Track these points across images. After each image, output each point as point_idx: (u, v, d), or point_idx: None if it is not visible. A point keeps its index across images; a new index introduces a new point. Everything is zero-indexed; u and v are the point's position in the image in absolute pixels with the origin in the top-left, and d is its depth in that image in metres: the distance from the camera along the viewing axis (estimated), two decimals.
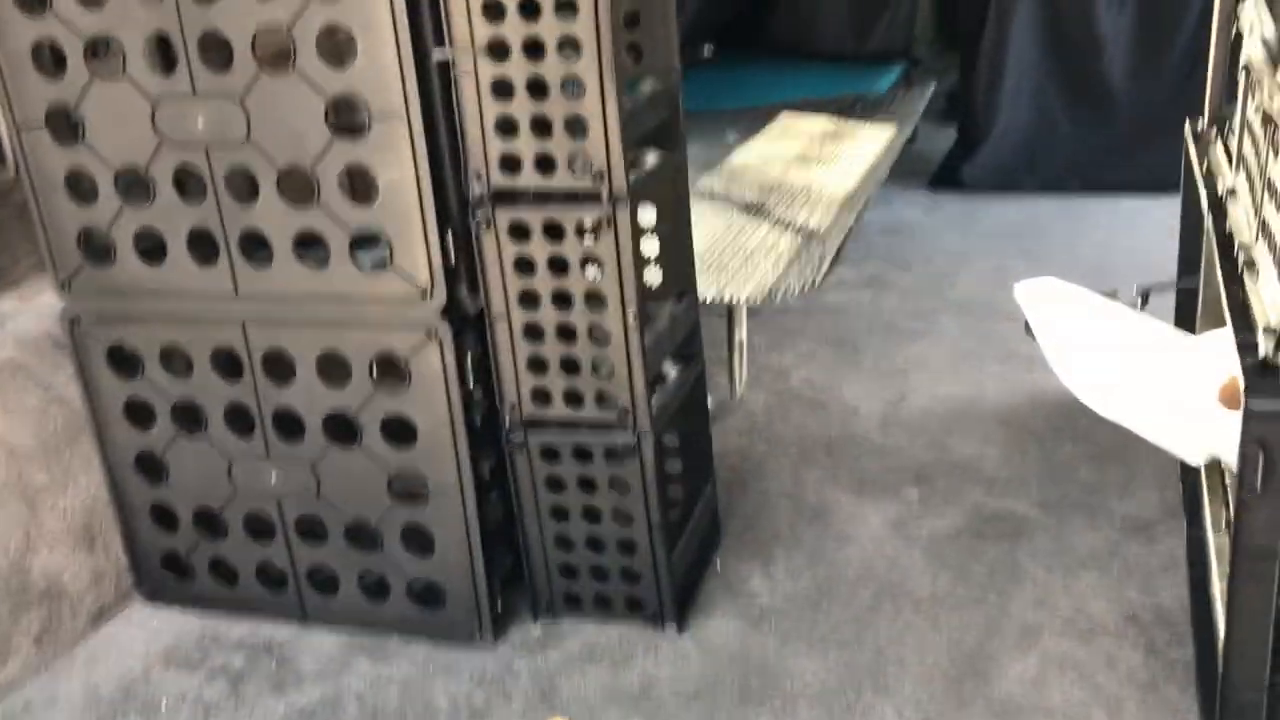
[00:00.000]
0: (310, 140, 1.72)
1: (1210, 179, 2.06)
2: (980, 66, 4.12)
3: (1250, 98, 1.77)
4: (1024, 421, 2.53)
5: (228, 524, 2.03)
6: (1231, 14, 2.28)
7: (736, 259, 2.40)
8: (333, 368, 1.86)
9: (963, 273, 3.41)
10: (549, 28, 1.63)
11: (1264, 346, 1.37)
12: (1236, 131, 1.88)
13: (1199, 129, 2.38)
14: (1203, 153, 2.20)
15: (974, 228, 3.79)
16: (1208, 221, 1.89)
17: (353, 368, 1.84)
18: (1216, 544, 1.73)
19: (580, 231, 1.74)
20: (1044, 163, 4.08)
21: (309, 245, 1.81)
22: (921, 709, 1.73)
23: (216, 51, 1.71)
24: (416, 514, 1.92)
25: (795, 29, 4.65)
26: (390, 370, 1.85)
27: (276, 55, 1.70)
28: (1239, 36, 2.12)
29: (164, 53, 1.76)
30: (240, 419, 1.94)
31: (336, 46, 1.67)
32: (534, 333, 1.82)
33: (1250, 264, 1.57)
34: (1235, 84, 2.24)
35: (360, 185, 1.75)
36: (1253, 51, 1.74)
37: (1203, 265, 1.98)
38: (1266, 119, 1.49)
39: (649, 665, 1.88)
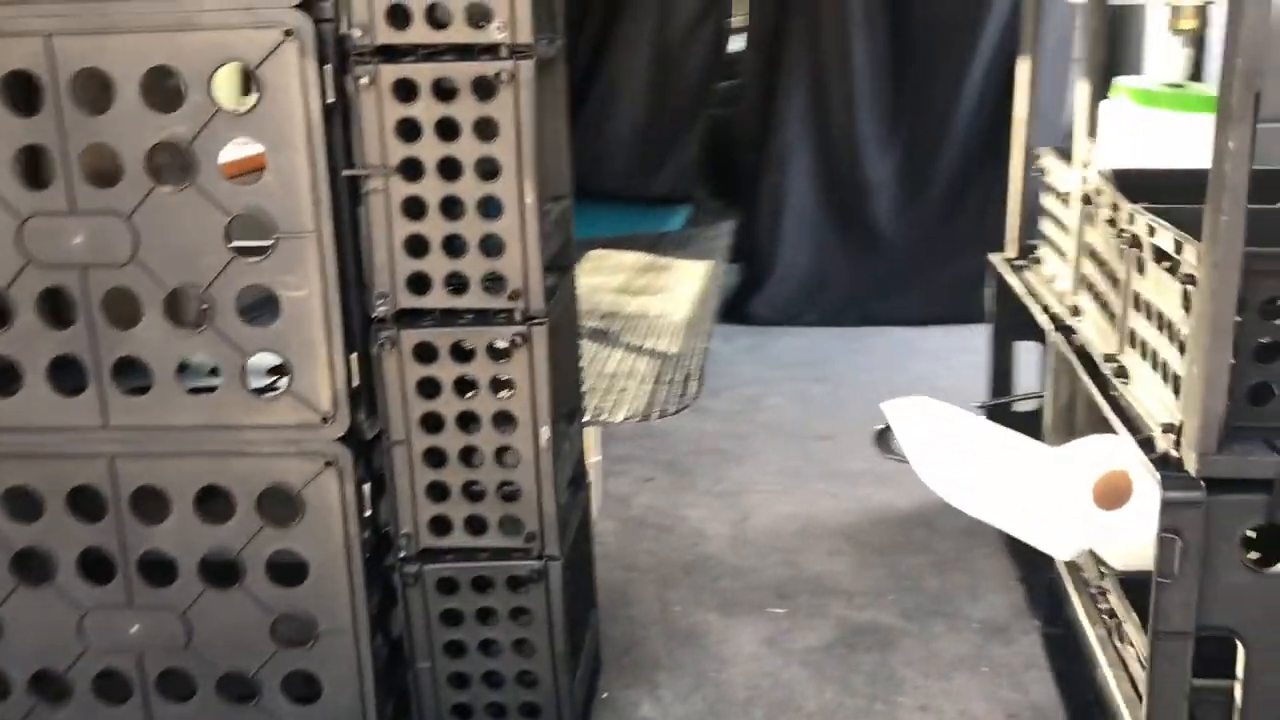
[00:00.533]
0: (206, 259, 1.62)
1: (1036, 302, 2.27)
2: (762, 209, 4.39)
3: (1089, 225, 1.98)
4: (864, 536, 2.64)
5: (73, 685, 1.81)
6: (1029, 159, 2.55)
7: (601, 382, 2.42)
8: (213, 503, 1.73)
9: (768, 398, 3.55)
10: (467, 149, 1.63)
11: (1163, 444, 1.51)
12: (1072, 258, 2.08)
13: (1009, 259, 2.60)
14: (1014, 281, 2.41)
15: (767, 358, 3.97)
16: (1054, 339, 2.08)
17: (237, 502, 1.72)
18: (1096, 636, 1.85)
19: (492, 352, 1.72)
20: (823, 297, 4.35)
21: (190, 372, 1.70)
22: None
23: (101, 167, 1.61)
24: (303, 659, 1.78)
25: (584, 171, 4.80)
26: (278, 504, 1.73)
27: (169, 170, 1.62)
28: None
29: (34, 167, 1.64)
30: (98, 564, 1.76)
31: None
32: (436, 458, 1.76)
33: (1121, 371, 1.73)
34: (1037, 219, 2.51)
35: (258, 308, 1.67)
36: (1096, 185, 1.94)
37: (1050, 381, 2.14)
38: (1134, 241, 1.67)
39: None
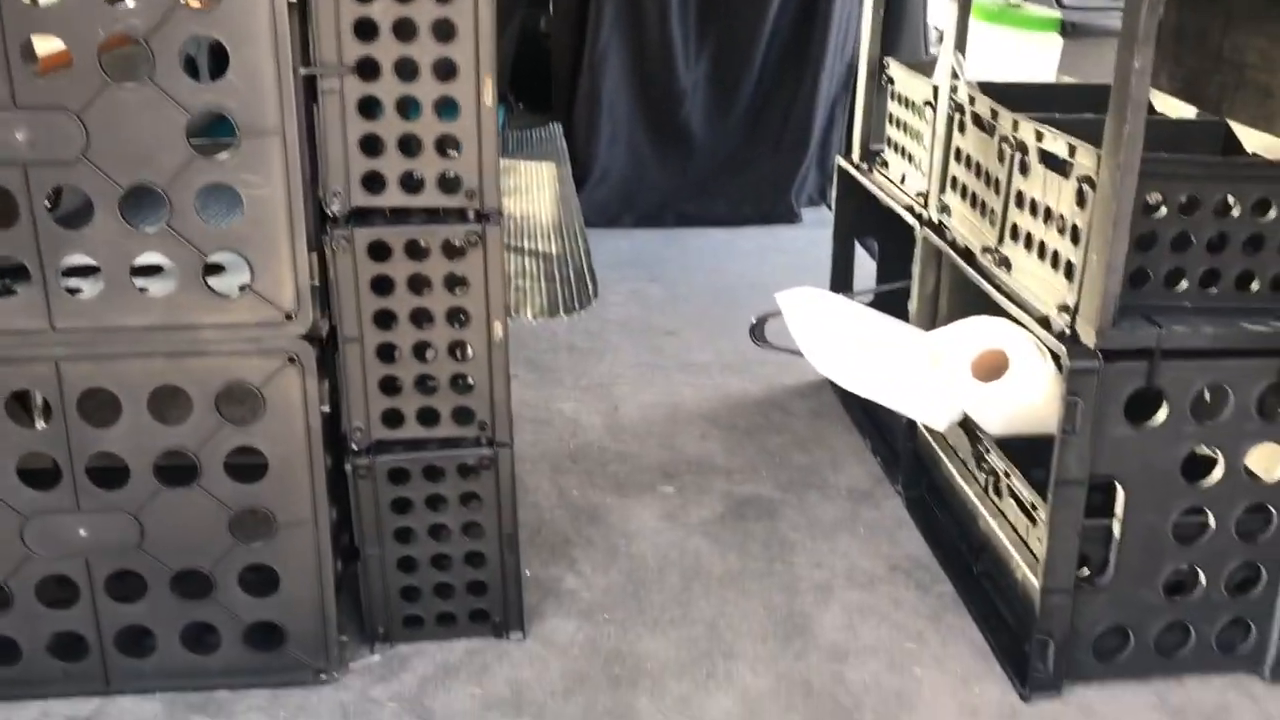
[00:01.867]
0: (165, 158, 1.60)
1: (896, 202, 2.50)
2: (578, 113, 4.46)
3: (959, 132, 2.20)
4: (729, 420, 2.85)
5: (13, 594, 1.78)
6: (879, 67, 2.77)
7: None
8: (169, 403, 1.73)
9: (609, 296, 3.67)
10: (424, 49, 1.67)
11: (1059, 322, 1.76)
12: (935, 161, 2.30)
13: (854, 162, 2.82)
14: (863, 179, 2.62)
15: (597, 259, 4.08)
16: (923, 234, 2.31)
17: (195, 401, 1.72)
18: (974, 491, 2.12)
19: (446, 250, 1.77)
20: (641, 199, 4.49)
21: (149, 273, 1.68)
22: (770, 665, 1.95)
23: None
24: (261, 553, 1.81)
25: None
26: (235, 401, 1.75)
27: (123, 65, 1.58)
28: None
29: None
30: (41, 471, 1.72)
31: None
32: (389, 353, 1.81)
33: (1004, 261, 1.98)
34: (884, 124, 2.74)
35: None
36: (967, 94, 2.16)
37: (917, 272, 2.37)
38: (1018, 145, 1.90)
39: (510, 672, 1.93)
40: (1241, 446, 1.74)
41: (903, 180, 2.60)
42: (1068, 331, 1.73)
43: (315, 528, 1.81)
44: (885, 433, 2.65)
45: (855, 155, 2.87)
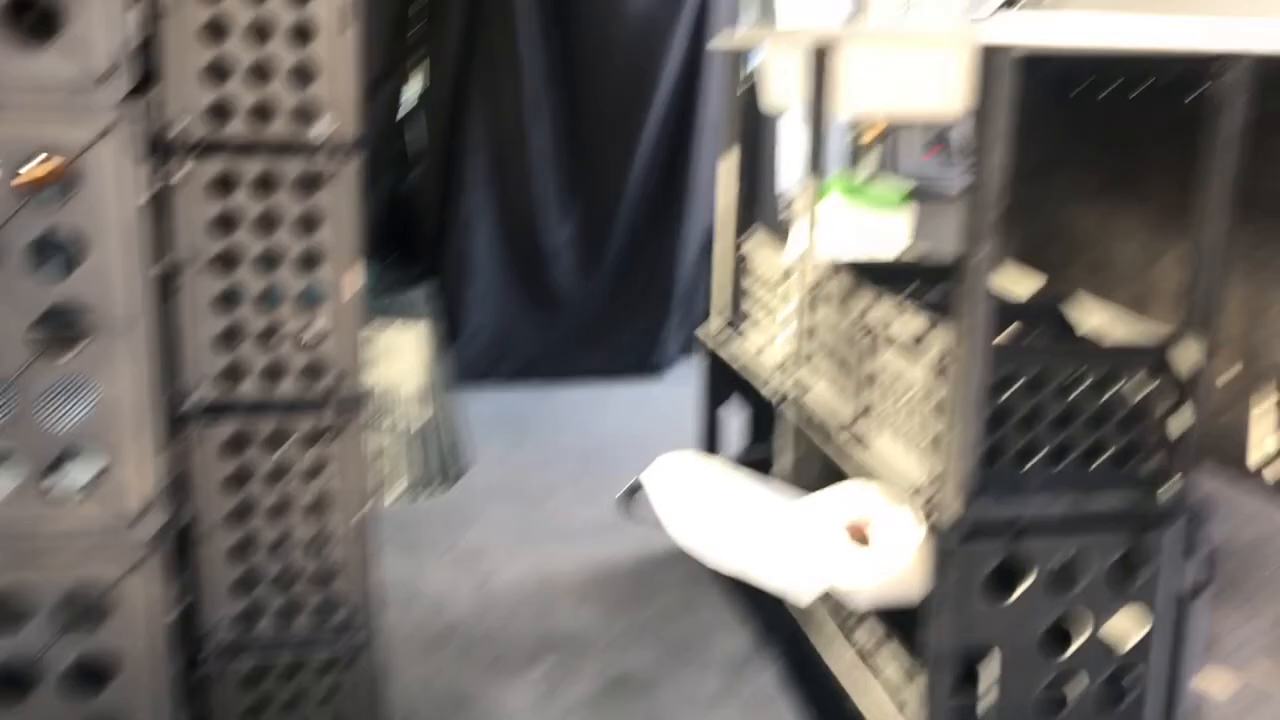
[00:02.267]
0: (7, 357, 1.54)
1: (756, 375, 2.55)
2: (448, 271, 4.49)
3: (811, 312, 2.27)
4: (604, 590, 2.81)
5: None
6: (734, 245, 2.86)
7: None
8: (5, 610, 1.62)
9: (479, 458, 3.64)
10: (287, 239, 1.66)
11: (922, 497, 1.80)
12: (793, 334, 2.36)
13: (715, 331, 2.88)
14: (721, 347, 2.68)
15: (466, 417, 4.06)
16: (785, 408, 2.35)
17: (35, 609, 1.62)
18: (847, 661, 2.12)
19: (308, 439, 1.73)
20: (511, 356, 4.51)
21: None
22: None
23: None
24: None
25: None
26: (81, 606, 1.65)
27: None
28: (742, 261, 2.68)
29: None
30: None
31: None
32: (246, 549, 1.75)
33: (862, 438, 2.02)
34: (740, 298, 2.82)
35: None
36: (824, 271, 2.23)
37: (782, 441, 2.40)
38: (874, 325, 1.97)
39: None
40: (1099, 616, 1.78)
41: (760, 351, 2.66)
42: (930, 507, 1.77)
43: None
44: (759, 600, 2.65)
45: (714, 326, 2.93)
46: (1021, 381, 1.74)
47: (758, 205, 4.80)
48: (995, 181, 1.60)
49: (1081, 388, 1.77)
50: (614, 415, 4.16)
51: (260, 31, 1.59)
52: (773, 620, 2.49)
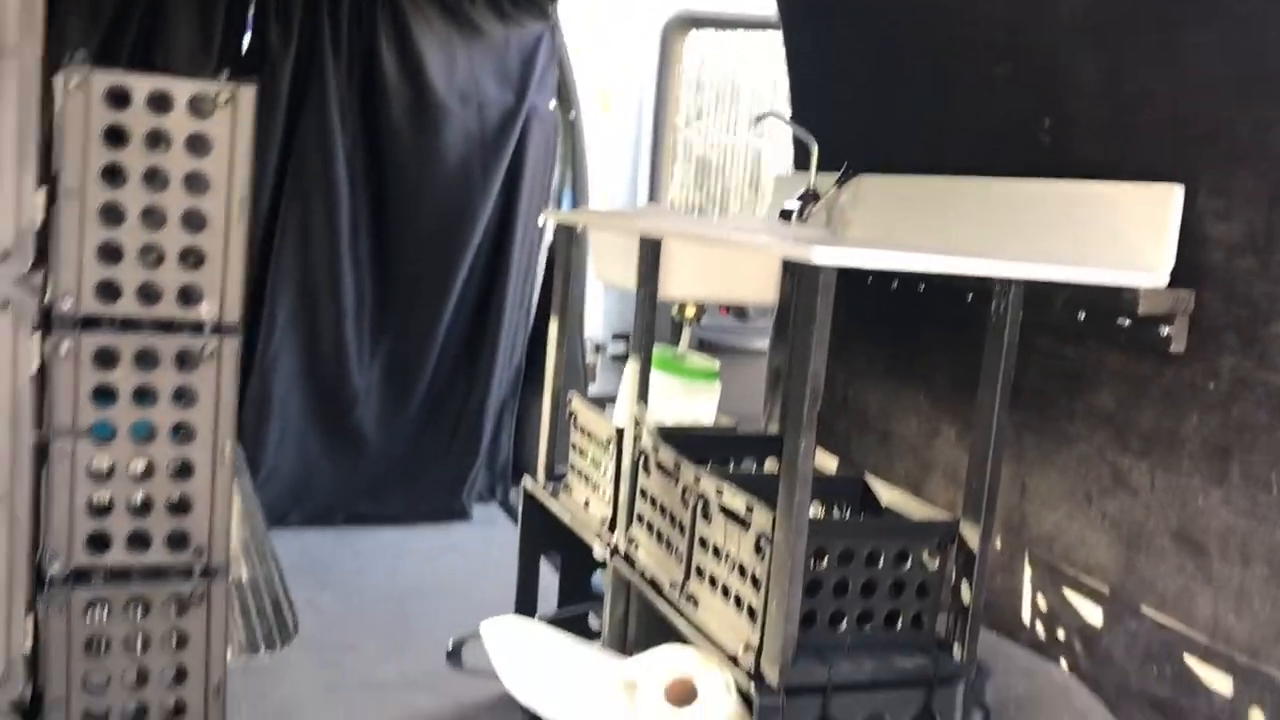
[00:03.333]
0: None
1: (586, 529, 2.71)
2: (246, 415, 4.46)
3: (644, 474, 2.46)
4: None
5: None
6: (559, 401, 3.04)
7: None
8: None
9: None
10: (163, 414, 1.73)
11: (746, 661, 1.98)
12: (625, 496, 2.54)
13: (539, 484, 3.03)
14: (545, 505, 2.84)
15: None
16: (614, 565, 2.51)
17: None
18: None
19: (171, 606, 1.77)
20: (310, 499, 4.49)
21: None
22: None
23: None
24: None
25: None
26: None
27: None
28: None
29: None
30: None
31: None
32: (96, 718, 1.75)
33: (692, 599, 2.20)
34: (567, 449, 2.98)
35: None
36: (651, 441, 2.43)
37: (608, 598, 2.55)
38: (699, 497, 2.17)
39: None
40: None
41: (586, 505, 2.83)
42: (753, 669, 1.95)
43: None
44: None
45: (539, 477, 3.08)
46: (834, 552, 1.97)
47: (568, 355, 5.03)
48: (815, 382, 1.84)
49: (884, 559, 2.01)
50: (419, 560, 4.20)
51: (152, 217, 1.68)
52: None
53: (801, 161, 3.23)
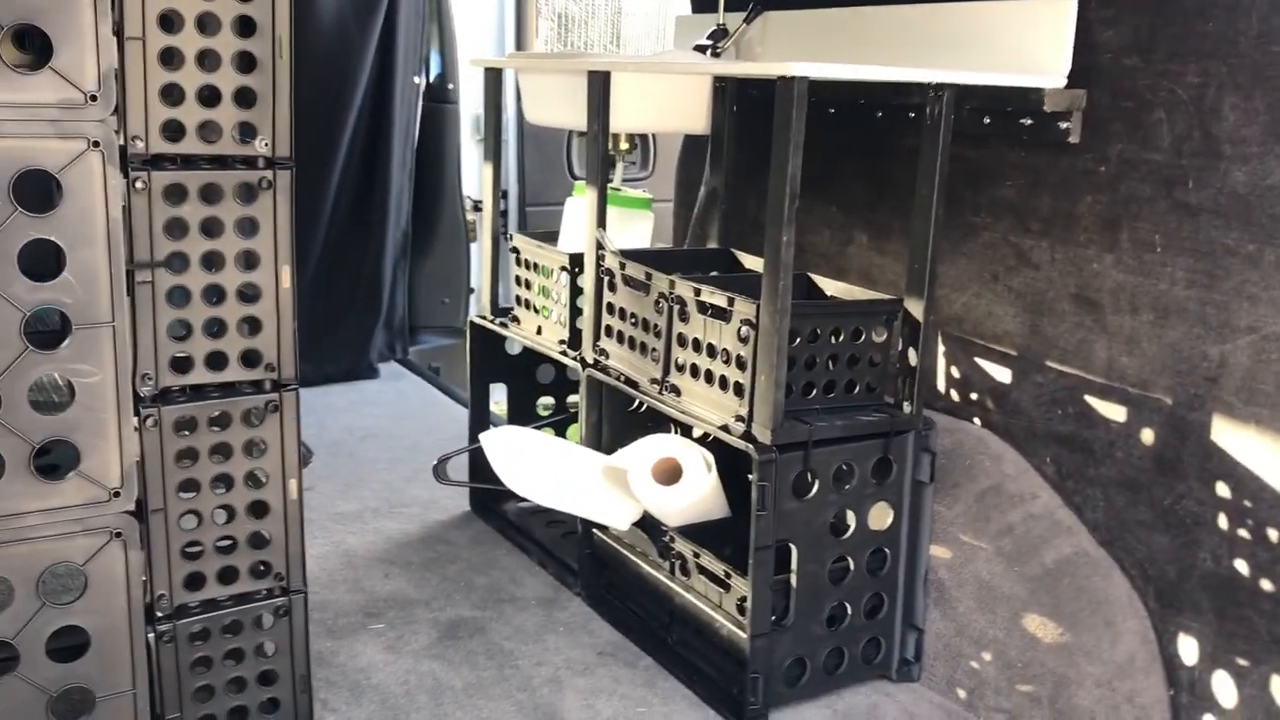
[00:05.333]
0: (4, 351, 1.68)
1: (550, 349, 2.98)
2: None
3: (611, 291, 2.73)
4: (403, 558, 3.11)
5: None
6: (497, 241, 3.26)
7: None
8: None
9: None
10: (229, 243, 1.90)
11: (737, 428, 2.32)
12: (589, 320, 2.81)
13: (488, 319, 3.27)
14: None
15: None
16: (588, 373, 2.79)
17: (16, 588, 1.75)
18: (665, 574, 2.61)
19: (247, 418, 1.97)
20: None
21: None
22: None
23: None
24: None
25: None
26: (55, 582, 1.80)
27: None
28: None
29: None
30: None
31: None
32: (193, 520, 1.95)
33: (674, 388, 2.52)
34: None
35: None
36: (617, 260, 2.70)
37: (583, 405, 2.83)
38: (676, 300, 2.46)
39: None
40: (864, 506, 2.39)
41: (539, 332, 3.09)
42: (747, 436, 2.29)
43: (134, 699, 1.88)
44: (550, 547, 3.08)
45: (486, 312, 3.31)
46: (805, 332, 2.31)
47: (445, 212, 5.20)
48: (793, 184, 2.14)
49: (844, 335, 2.36)
50: (343, 413, 4.38)
51: (208, 59, 1.82)
52: (578, 562, 2.92)
53: (701, 5, 3.48)
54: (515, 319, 3.22)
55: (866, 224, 3.01)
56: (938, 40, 2.62)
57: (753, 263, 2.91)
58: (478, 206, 5.57)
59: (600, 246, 2.74)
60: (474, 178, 5.56)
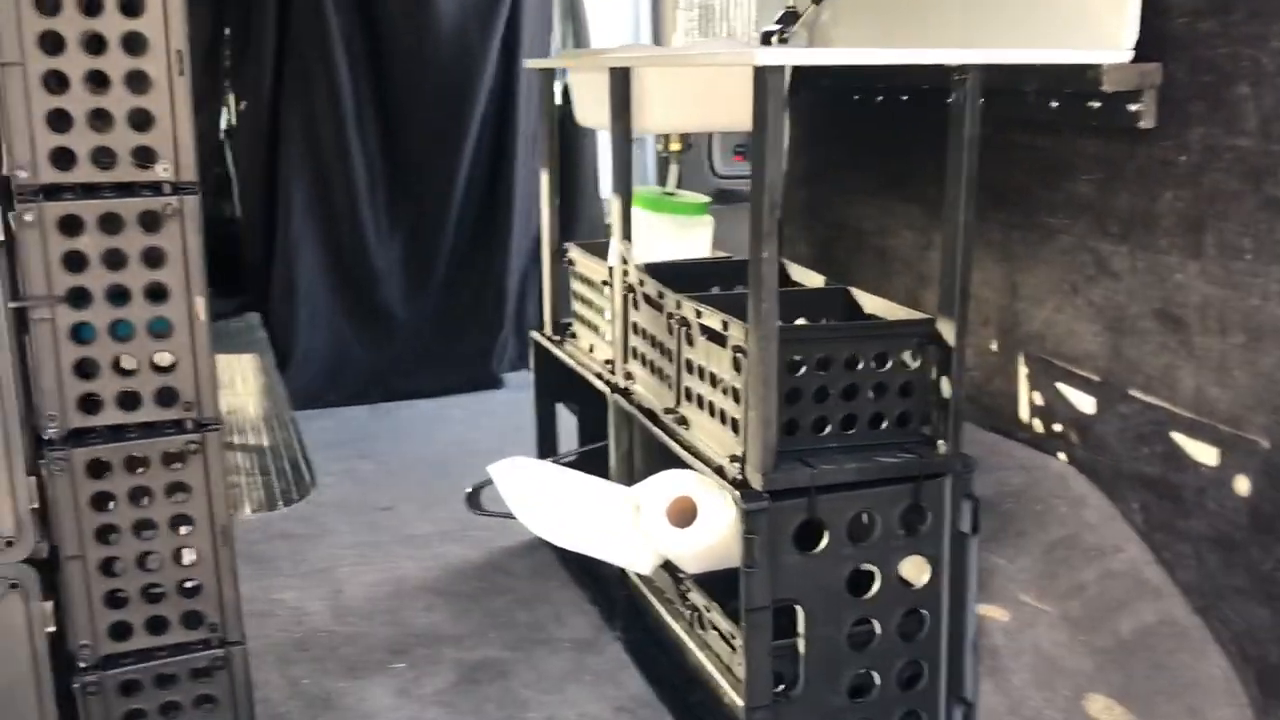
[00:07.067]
0: None
1: (588, 370, 2.76)
2: (274, 298, 4.55)
3: (634, 309, 2.48)
4: (453, 588, 2.97)
5: None
6: (557, 253, 3.06)
7: None
8: None
9: (321, 478, 3.74)
10: (135, 275, 1.78)
11: (732, 470, 2.03)
12: (618, 334, 2.58)
13: (547, 335, 3.08)
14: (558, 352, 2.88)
15: (306, 439, 4.14)
16: (614, 400, 2.56)
17: None
18: (681, 628, 2.34)
19: (166, 459, 1.85)
20: (345, 378, 4.60)
21: None
22: None
23: None
24: None
25: None
26: None
27: None
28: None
29: None
30: None
31: None
32: (113, 567, 1.85)
33: (683, 420, 2.25)
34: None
35: None
36: (637, 277, 2.45)
37: (613, 434, 2.60)
38: (682, 321, 2.19)
39: None
40: (892, 560, 2.05)
41: (591, 350, 2.87)
42: (739, 478, 2.00)
43: None
44: (601, 583, 2.86)
45: (548, 329, 3.13)
46: (811, 360, 1.99)
47: (580, 215, 5.02)
48: (775, 188, 1.84)
49: (863, 363, 2.03)
50: (454, 427, 4.30)
51: (97, 81, 1.70)
52: (615, 602, 2.70)
53: None
54: (573, 335, 3.02)
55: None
56: (1002, 15, 2.23)
57: (802, 275, 2.59)
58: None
59: (624, 260, 2.49)
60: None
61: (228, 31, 4.80)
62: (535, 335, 3.14)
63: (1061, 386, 2.31)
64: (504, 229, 4.77)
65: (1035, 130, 2.23)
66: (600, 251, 2.88)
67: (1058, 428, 2.33)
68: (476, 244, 4.79)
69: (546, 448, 3.20)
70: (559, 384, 3.14)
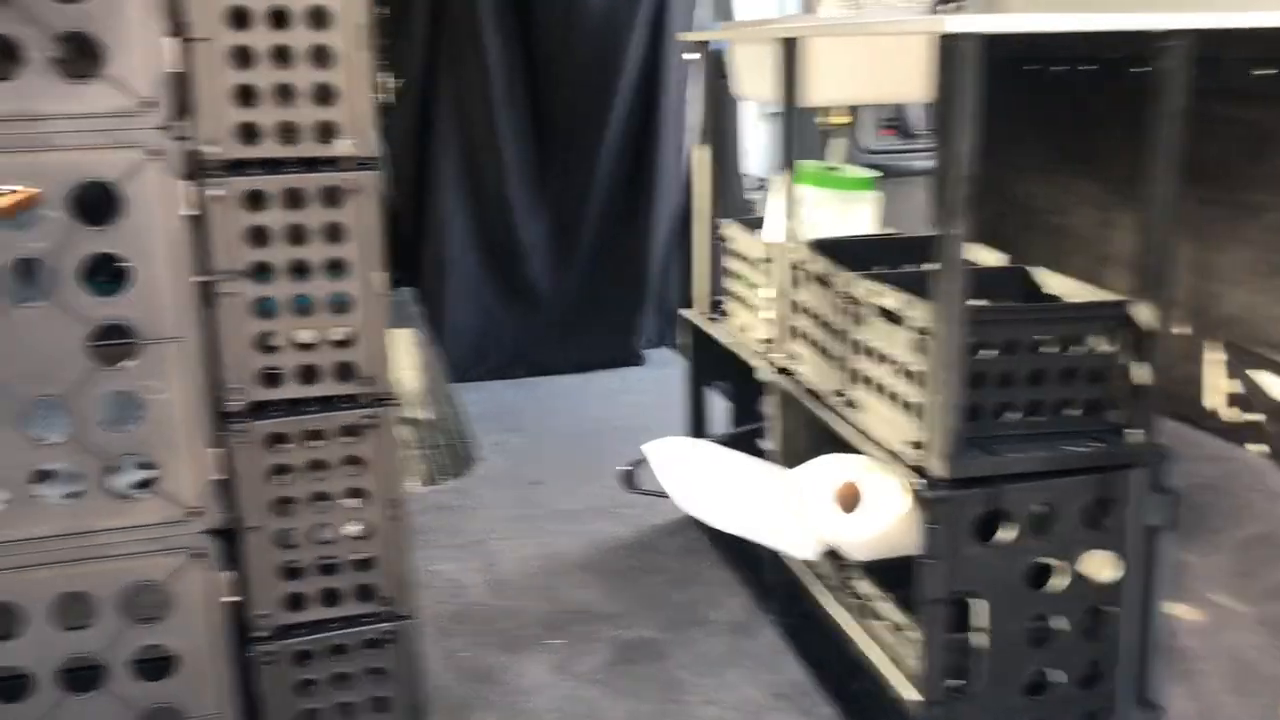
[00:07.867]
0: (66, 370, 1.65)
1: (746, 350, 2.70)
2: (425, 273, 4.60)
3: (799, 287, 2.42)
4: (605, 565, 2.96)
5: None
6: (711, 230, 3.00)
7: None
8: (72, 608, 1.74)
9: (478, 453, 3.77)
10: (316, 250, 1.79)
11: (911, 457, 1.95)
12: (778, 313, 2.51)
13: (701, 313, 3.03)
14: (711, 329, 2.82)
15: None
16: (778, 381, 2.50)
17: (100, 605, 1.74)
18: (845, 616, 2.28)
19: (344, 433, 1.86)
20: (493, 353, 4.63)
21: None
22: None
23: None
24: None
25: None
26: (141, 600, 1.77)
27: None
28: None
29: None
30: None
31: None
32: (289, 539, 1.87)
33: (852, 403, 2.18)
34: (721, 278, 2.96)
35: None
36: (804, 254, 2.38)
37: (775, 415, 2.54)
38: (854, 300, 2.12)
39: None
40: (1074, 555, 1.95)
41: (744, 329, 2.81)
42: (919, 465, 1.92)
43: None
44: (754, 565, 2.80)
45: (698, 307, 3.08)
46: (996, 344, 1.90)
47: (722, 190, 4.94)
48: (965, 162, 1.75)
49: (1050, 347, 1.93)
50: (598, 402, 4.30)
51: (282, 56, 1.71)
52: (769, 584, 2.64)
53: None
54: (724, 313, 2.96)
55: (1133, 202, 2.49)
56: None
57: (976, 254, 2.48)
58: (761, 185, 5.31)
59: (789, 237, 2.43)
60: (756, 156, 5.28)
61: (384, 10, 4.85)
62: (686, 313, 3.09)
63: (1258, 374, 2.17)
64: (647, 205, 4.73)
65: (1238, 100, 2.09)
66: (755, 227, 2.82)
67: (1253, 417, 2.19)
68: (620, 220, 4.77)
69: (697, 427, 3.15)
70: (710, 363, 3.09)
